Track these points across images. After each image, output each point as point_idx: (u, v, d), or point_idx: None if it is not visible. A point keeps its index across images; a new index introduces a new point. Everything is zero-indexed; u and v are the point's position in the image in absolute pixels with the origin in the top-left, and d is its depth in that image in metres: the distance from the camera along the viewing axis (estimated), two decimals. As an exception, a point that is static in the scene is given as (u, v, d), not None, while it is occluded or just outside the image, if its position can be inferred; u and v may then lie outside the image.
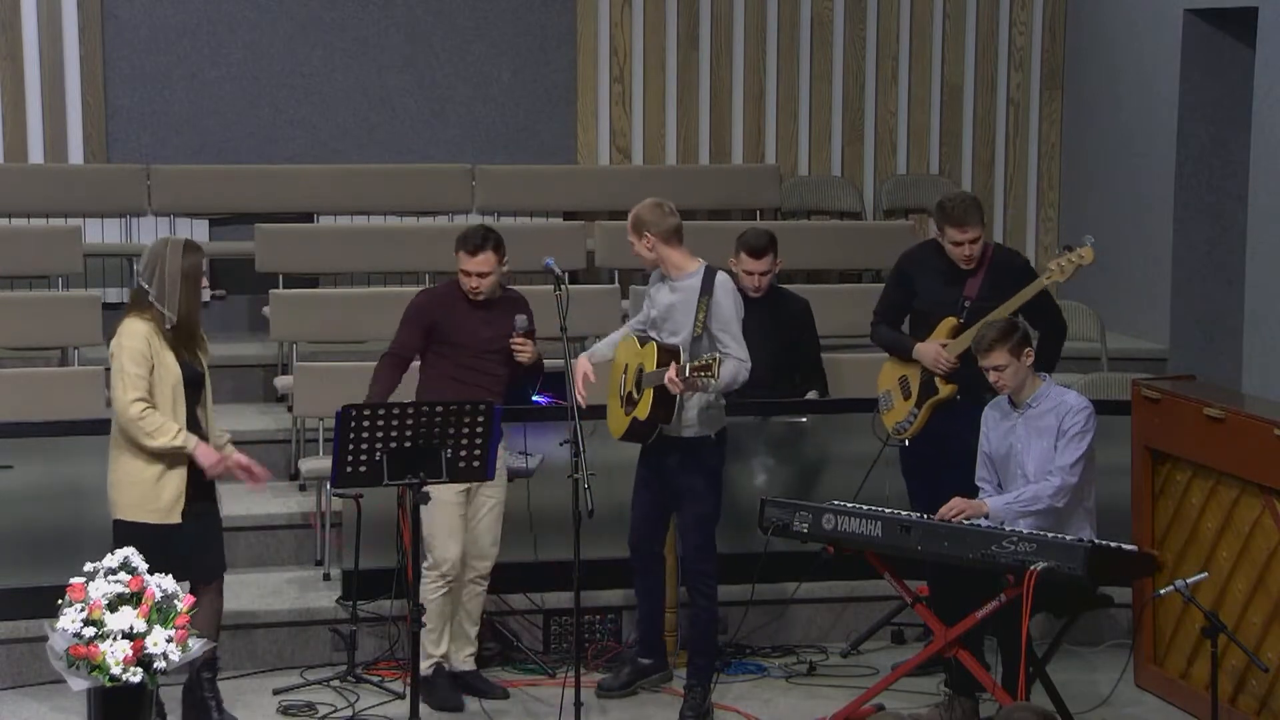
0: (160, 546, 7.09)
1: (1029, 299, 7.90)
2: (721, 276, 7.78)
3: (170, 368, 7.27)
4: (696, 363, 7.41)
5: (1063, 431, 7.50)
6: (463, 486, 7.80)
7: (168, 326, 7.26)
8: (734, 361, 7.63)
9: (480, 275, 7.94)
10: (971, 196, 8.27)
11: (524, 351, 7.96)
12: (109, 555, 6.80)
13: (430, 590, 7.90)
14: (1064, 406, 7.54)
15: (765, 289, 8.88)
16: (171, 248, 7.31)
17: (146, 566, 6.77)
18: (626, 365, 7.89)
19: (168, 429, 7.23)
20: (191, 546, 7.33)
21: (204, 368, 7.48)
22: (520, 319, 7.97)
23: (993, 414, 7.73)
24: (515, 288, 8.31)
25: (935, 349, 8.03)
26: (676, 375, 7.47)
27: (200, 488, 7.37)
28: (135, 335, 7.24)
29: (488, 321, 7.98)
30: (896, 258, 9.44)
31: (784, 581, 8.54)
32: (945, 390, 8.07)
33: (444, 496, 7.75)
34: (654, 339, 7.78)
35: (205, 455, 7.31)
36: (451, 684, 7.99)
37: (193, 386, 7.38)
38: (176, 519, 7.28)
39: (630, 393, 7.82)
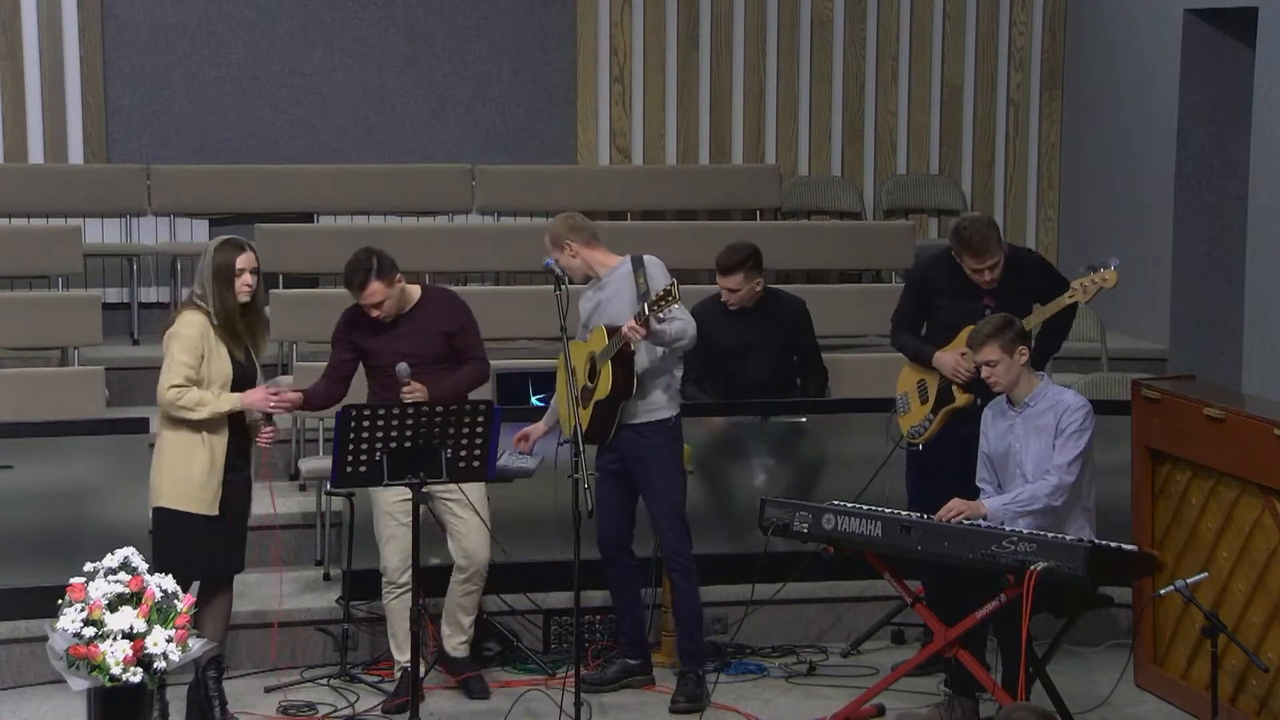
0: (199, 537, 7.24)
1: (1052, 315, 7.93)
2: (650, 256, 7.95)
3: (223, 362, 7.37)
4: (653, 296, 7.52)
5: (1060, 430, 7.50)
6: (403, 495, 7.56)
7: (214, 323, 7.35)
8: (681, 320, 7.73)
9: (375, 305, 7.79)
10: (987, 220, 8.16)
11: (414, 394, 7.68)
12: (109, 555, 6.80)
13: (385, 597, 7.91)
14: (1061, 405, 7.54)
15: (741, 304, 8.91)
16: (209, 247, 7.42)
17: (146, 567, 6.78)
18: (574, 369, 7.90)
19: (205, 399, 7.32)
20: (228, 538, 7.45)
21: (257, 366, 7.54)
22: (401, 367, 7.68)
23: (990, 414, 7.73)
24: (516, 287, 8.28)
25: (955, 358, 8.03)
26: (636, 321, 7.57)
27: (236, 479, 7.45)
28: (191, 324, 7.34)
29: (403, 335, 7.83)
30: (897, 258, 9.46)
31: (784, 581, 8.53)
32: (962, 399, 8.06)
33: (384, 506, 7.72)
34: (604, 325, 7.86)
35: (252, 396, 7.42)
36: (403, 692, 7.75)
37: (246, 384, 7.44)
38: (216, 510, 7.36)
39: (585, 386, 7.86)
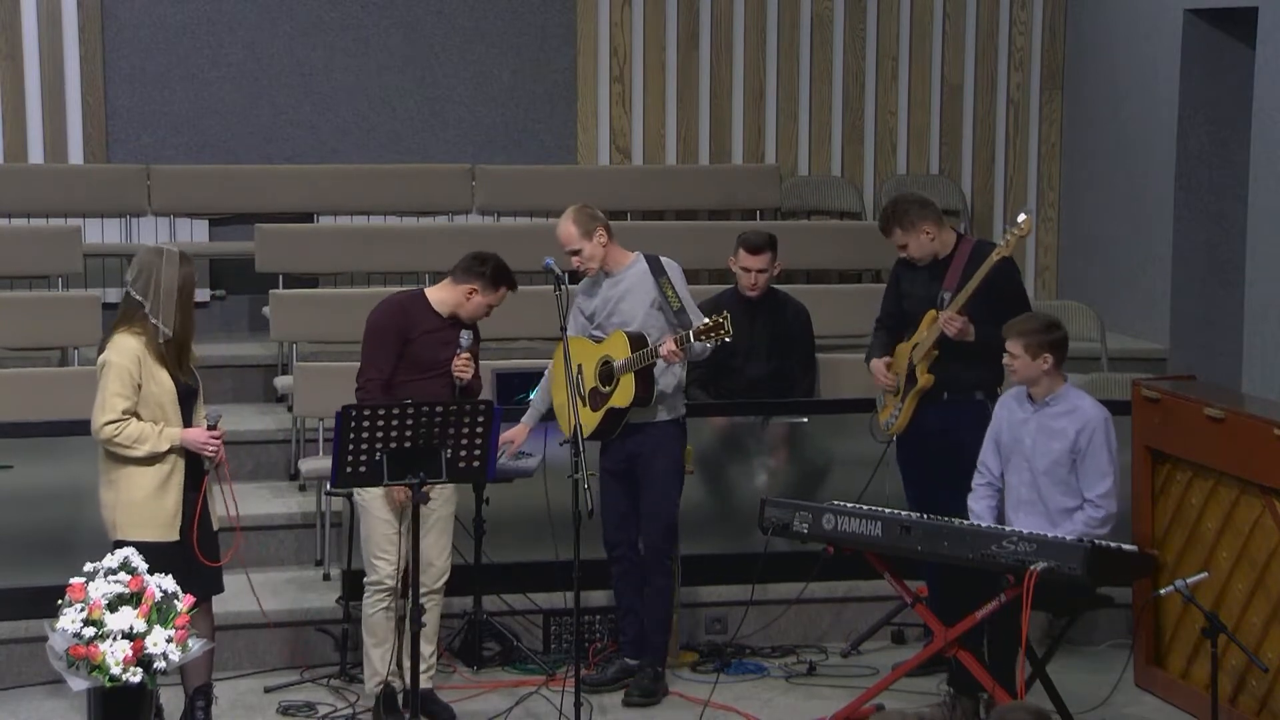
0: (164, 565, 6.87)
1: (981, 279, 7.84)
2: (665, 259, 8.00)
3: (164, 384, 7.07)
4: (702, 325, 7.58)
5: (1079, 449, 7.46)
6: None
7: (161, 341, 7.05)
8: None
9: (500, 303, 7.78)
10: (892, 202, 8.28)
11: (465, 371, 7.64)
12: (109, 555, 6.79)
13: (370, 606, 7.66)
14: (1080, 416, 7.50)
15: (762, 288, 8.98)
16: (167, 259, 7.06)
17: (146, 567, 6.77)
18: (580, 366, 7.89)
19: (145, 435, 7.02)
20: (192, 560, 7.12)
21: (197, 380, 7.27)
22: (465, 335, 7.67)
23: (1010, 403, 7.71)
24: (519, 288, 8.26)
25: (879, 365, 8.26)
26: (678, 345, 7.62)
27: (193, 499, 7.16)
28: (125, 353, 7.03)
29: (446, 343, 7.69)
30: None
31: (784, 581, 8.54)
32: (923, 380, 8.10)
33: (378, 513, 7.60)
34: (622, 330, 7.86)
35: (194, 436, 7.09)
36: (394, 708, 7.67)
37: (187, 402, 7.17)
38: (176, 535, 7.11)
39: (594, 388, 7.86)
